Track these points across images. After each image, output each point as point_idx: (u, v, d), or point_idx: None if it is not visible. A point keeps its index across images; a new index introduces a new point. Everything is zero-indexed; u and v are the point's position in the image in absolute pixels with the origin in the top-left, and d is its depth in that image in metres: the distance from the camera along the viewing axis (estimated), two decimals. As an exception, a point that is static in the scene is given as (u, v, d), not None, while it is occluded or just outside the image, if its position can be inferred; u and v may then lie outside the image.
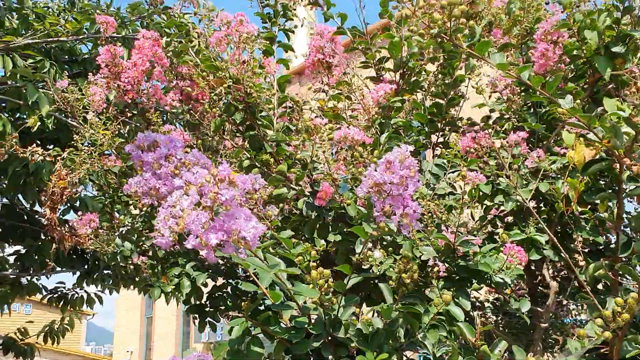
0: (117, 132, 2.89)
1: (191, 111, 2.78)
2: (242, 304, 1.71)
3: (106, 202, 3.03)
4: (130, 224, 2.90)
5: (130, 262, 2.93)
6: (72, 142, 2.88)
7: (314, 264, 1.61)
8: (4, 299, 4.79)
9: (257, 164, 2.37)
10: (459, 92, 2.73)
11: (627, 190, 1.73)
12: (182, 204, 1.24)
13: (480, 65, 2.73)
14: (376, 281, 2.13)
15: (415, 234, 1.98)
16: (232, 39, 2.38)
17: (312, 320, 1.64)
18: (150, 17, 4.75)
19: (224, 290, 2.94)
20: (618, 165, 1.62)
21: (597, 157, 1.69)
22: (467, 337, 1.73)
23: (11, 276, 5.03)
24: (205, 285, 2.79)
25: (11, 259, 5.07)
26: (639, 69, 2.18)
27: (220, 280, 2.87)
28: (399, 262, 1.68)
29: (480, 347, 1.67)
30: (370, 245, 1.98)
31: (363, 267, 1.84)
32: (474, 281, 2.06)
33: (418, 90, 2.69)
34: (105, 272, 5.36)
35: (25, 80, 4.04)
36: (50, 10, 5.30)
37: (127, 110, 3.02)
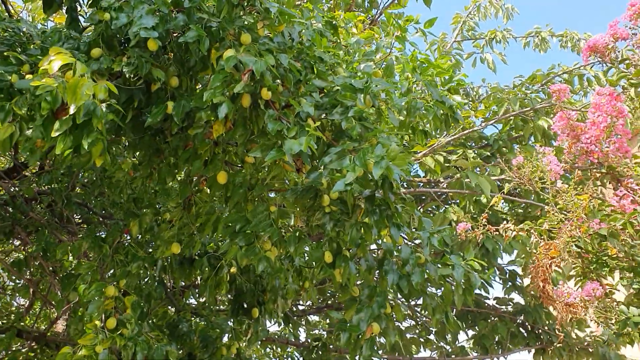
0: (594, 195, 2.82)
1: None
2: None
3: (591, 267, 2.93)
4: (633, 288, 2.72)
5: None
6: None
7: None
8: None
9: None
10: None
11: None
12: None
13: None
14: None
15: None
16: None
17: None
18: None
19: None
20: None
21: None
22: None
23: None
24: None
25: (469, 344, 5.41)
26: None
27: None
28: None
29: None
30: None
31: None
32: None
33: None
34: (559, 346, 5.20)
35: (463, 171, 4.41)
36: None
37: (595, 170, 2.95)
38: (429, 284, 2.96)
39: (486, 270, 2.99)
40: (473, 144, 5.84)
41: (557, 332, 5.05)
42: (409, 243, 2.83)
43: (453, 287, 2.75)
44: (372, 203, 2.42)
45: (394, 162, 2.15)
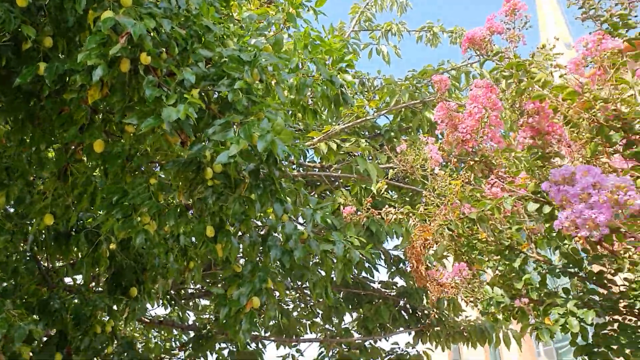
0: (466, 181, 2.98)
1: (543, 144, 2.73)
2: None
3: (463, 250, 3.10)
4: (498, 270, 2.90)
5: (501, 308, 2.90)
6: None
7: None
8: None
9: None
10: None
11: None
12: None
13: None
14: None
15: None
16: (591, 59, 2.30)
17: None
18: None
19: (611, 327, 2.72)
20: None
21: None
22: None
23: (357, 341, 5.48)
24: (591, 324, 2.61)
25: (353, 325, 5.59)
26: None
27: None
28: None
29: None
30: None
31: None
32: None
33: None
34: (437, 329, 5.49)
35: (354, 157, 4.52)
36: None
37: (469, 159, 3.12)
38: (319, 267, 3.02)
39: (367, 248, 3.09)
40: (367, 133, 6.01)
41: (431, 312, 5.34)
42: (294, 220, 2.88)
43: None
44: (257, 178, 2.42)
45: (279, 137, 2.15)
